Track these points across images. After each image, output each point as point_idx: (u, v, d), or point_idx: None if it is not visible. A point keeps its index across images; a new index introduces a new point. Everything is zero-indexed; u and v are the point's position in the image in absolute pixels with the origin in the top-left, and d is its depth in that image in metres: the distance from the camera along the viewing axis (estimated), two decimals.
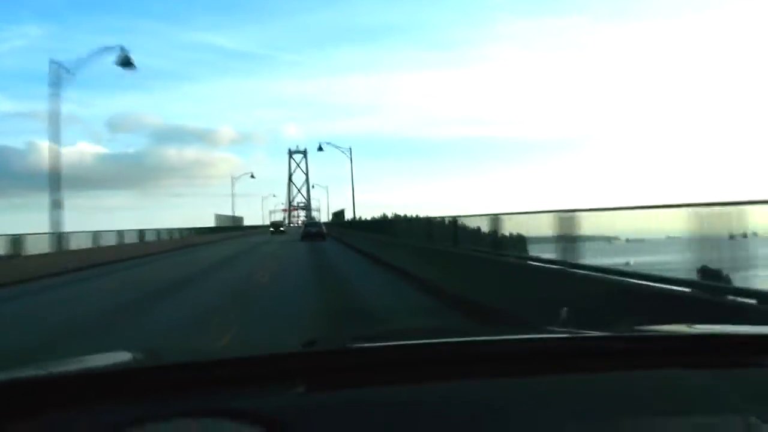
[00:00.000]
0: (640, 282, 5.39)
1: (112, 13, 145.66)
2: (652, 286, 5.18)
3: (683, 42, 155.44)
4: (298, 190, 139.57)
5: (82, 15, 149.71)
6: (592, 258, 6.45)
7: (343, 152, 46.59)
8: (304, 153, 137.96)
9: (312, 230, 43.65)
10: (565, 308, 5.63)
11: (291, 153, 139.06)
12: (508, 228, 9.51)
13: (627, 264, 6.19)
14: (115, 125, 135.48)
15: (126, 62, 21.91)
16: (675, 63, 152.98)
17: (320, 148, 50.34)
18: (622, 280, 5.67)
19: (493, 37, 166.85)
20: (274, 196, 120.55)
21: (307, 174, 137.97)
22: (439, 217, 15.20)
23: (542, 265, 7.71)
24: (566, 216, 6.83)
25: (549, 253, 7.35)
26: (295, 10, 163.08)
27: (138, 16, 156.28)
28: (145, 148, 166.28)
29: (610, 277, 5.90)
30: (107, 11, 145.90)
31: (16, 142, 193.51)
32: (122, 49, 21.91)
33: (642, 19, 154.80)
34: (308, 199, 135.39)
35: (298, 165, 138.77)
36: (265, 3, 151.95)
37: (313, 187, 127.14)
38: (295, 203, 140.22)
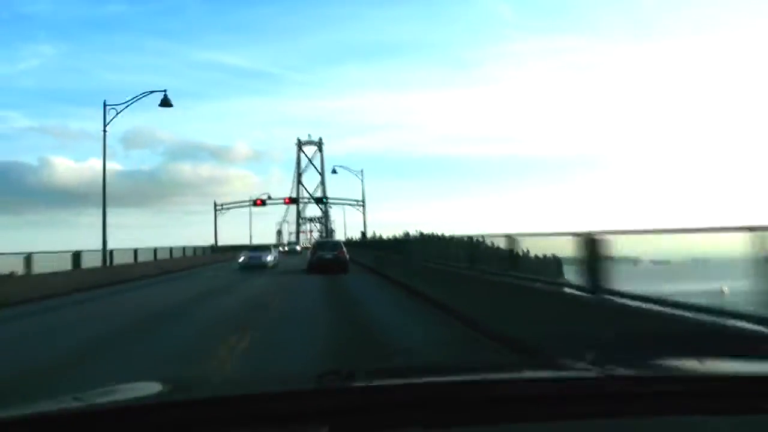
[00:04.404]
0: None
1: (125, 32, 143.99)
2: None
3: (702, 61, 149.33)
4: (311, 196, 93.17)
5: (95, 34, 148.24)
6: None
7: (355, 174, 46.37)
8: (319, 145, 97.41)
9: (326, 256, 25.50)
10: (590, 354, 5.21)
11: (300, 144, 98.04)
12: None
13: (722, 293, 4.77)
14: (129, 141, 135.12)
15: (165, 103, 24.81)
16: (696, 82, 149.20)
17: (334, 171, 55.29)
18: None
19: (507, 55, 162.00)
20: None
21: (322, 173, 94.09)
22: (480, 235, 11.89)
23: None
24: None
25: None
26: (306, 30, 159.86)
27: (149, 36, 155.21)
28: (159, 165, 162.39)
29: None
30: (120, 30, 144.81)
31: (29, 158, 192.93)
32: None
33: (659, 38, 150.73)
34: (326, 209, 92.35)
35: (310, 160, 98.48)
36: (276, 22, 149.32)
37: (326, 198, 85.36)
38: (305, 214, 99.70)
